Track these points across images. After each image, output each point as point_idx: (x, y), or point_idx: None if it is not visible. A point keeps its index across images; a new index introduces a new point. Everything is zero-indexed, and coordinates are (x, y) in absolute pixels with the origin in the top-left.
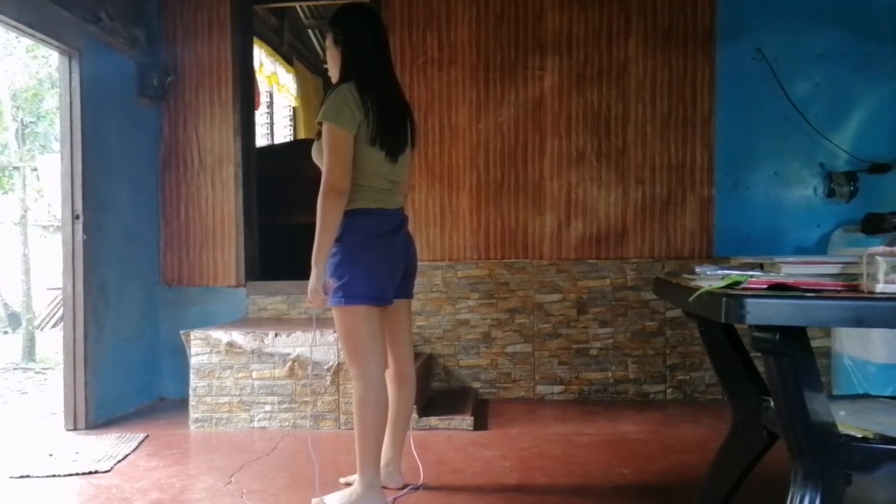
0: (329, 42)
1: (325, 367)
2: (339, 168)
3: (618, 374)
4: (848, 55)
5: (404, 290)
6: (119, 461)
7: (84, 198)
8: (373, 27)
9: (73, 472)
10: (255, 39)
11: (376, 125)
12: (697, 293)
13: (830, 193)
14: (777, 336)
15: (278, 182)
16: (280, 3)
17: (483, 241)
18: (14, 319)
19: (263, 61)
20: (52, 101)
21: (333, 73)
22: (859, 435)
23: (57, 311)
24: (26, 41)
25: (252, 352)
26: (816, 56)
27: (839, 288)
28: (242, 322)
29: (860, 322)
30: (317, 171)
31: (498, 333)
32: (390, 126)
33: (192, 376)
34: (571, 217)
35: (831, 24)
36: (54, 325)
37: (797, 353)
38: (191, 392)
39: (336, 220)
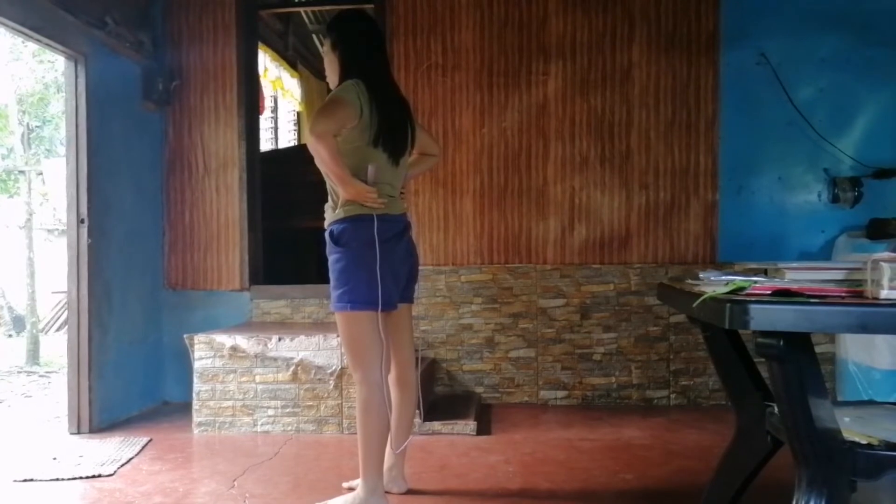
0: (326, 48)
1: (329, 371)
2: (326, 124)
3: (621, 380)
4: (852, 60)
5: (407, 294)
6: (122, 465)
7: (89, 202)
8: (370, 31)
9: (77, 475)
10: (260, 44)
11: (378, 126)
12: (701, 298)
13: (835, 199)
14: (781, 342)
15: (282, 186)
16: (285, 8)
17: (486, 246)
18: (18, 323)
19: (268, 66)
20: (58, 106)
21: (332, 80)
22: (864, 441)
23: (61, 315)
24: (33, 46)
25: (255, 356)
26: (820, 61)
27: (843, 294)
28: (246, 326)
29: (864, 328)
30: (320, 176)
31: (501, 338)
32: (391, 127)
33: (195, 380)
34: (575, 222)
35: (835, 28)
36: (58, 329)
37: (801, 359)
38: (194, 396)
39: (332, 150)
